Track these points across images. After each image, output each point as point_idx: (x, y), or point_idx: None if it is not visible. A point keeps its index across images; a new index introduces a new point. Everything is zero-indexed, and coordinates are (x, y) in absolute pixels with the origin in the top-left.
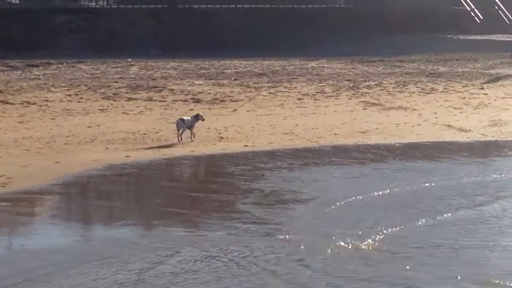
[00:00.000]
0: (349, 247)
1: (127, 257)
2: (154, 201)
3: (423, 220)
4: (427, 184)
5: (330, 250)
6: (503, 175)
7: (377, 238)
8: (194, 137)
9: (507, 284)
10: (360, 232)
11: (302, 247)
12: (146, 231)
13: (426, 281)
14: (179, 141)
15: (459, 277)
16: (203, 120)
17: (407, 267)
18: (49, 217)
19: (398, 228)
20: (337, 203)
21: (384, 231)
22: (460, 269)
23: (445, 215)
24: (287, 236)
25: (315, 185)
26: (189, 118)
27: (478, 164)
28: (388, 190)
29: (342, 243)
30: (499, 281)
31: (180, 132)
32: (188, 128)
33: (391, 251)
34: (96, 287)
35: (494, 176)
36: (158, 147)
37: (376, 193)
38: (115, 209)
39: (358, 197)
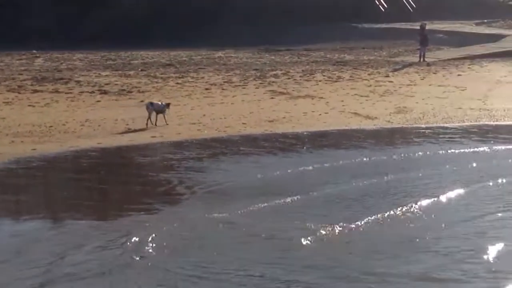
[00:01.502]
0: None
1: (31, 251)
2: (61, 194)
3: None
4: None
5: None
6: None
7: (235, 213)
8: (166, 121)
9: None
10: (225, 210)
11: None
12: (52, 224)
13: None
14: (146, 126)
15: None
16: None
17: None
18: None
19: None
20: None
21: (247, 208)
22: None
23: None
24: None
25: (218, 174)
26: (159, 102)
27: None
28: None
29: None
30: None
31: (149, 115)
32: (160, 112)
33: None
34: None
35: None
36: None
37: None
38: (21, 203)
39: (244, 181)
